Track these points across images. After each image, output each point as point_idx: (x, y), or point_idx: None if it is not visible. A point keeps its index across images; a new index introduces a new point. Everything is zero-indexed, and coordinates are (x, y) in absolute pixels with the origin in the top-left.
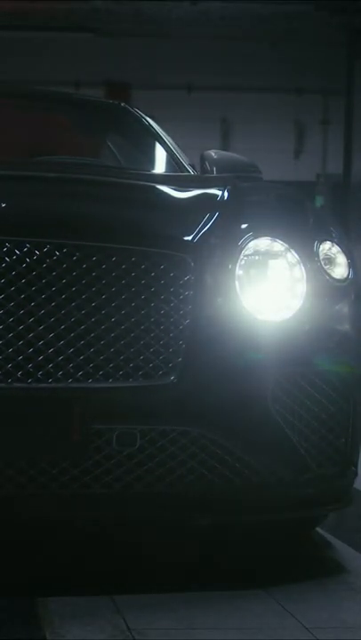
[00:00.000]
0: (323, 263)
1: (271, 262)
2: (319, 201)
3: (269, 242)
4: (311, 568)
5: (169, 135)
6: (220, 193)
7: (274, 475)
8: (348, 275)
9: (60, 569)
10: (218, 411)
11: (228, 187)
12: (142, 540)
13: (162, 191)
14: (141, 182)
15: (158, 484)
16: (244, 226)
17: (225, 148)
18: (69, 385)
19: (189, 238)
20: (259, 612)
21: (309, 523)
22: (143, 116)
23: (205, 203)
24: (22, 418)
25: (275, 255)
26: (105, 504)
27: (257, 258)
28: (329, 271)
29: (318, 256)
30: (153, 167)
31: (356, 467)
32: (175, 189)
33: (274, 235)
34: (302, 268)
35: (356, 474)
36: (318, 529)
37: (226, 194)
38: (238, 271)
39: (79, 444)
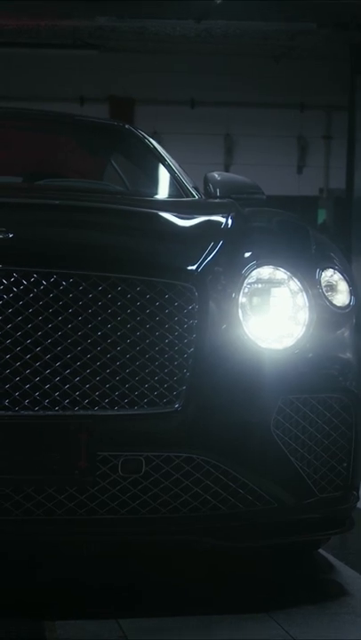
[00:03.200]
0: (325, 290)
1: (274, 290)
2: (322, 215)
3: (272, 270)
4: (314, 591)
5: (172, 150)
6: (223, 221)
7: (277, 500)
8: (350, 302)
9: (67, 593)
10: (222, 437)
11: (232, 214)
12: (147, 564)
13: (167, 219)
14: (146, 210)
15: (163, 509)
16: (247, 254)
17: (228, 164)
18: (76, 413)
19: (193, 267)
20: (262, 636)
21: (312, 545)
22: (147, 137)
23: (209, 231)
24: (29, 445)
25: (277, 283)
26: (111, 529)
27: (260, 286)
28: (331, 298)
29: (320, 284)
30: (157, 189)
31: (358, 491)
32: (179, 217)
33: (277, 263)
34: (305, 295)
35: (358, 498)
36: (321, 550)
37: (230, 221)
38: (242, 299)
39: (85, 470)
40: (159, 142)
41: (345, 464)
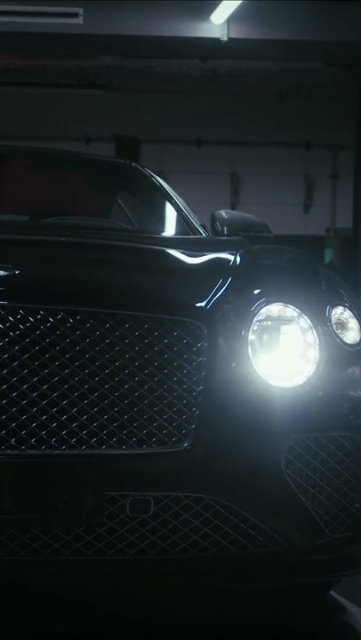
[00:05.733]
0: (335, 328)
1: (284, 328)
2: (328, 255)
3: (282, 307)
4: (326, 634)
5: (178, 189)
6: (232, 258)
7: (288, 541)
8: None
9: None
10: (231, 477)
11: (241, 251)
12: (151, 606)
13: (175, 256)
14: (154, 247)
15: (172, 550)
16: (256, 291)
17: (235, 203)
18: (83, 452)
19: (203, 305)
20: None
21: (323, 586)
22: (154, 175)
23: (218, 268)
24: (36, 484)
25: (287, 321)
26: (119, 571)
27: (269, 323)
28: (341, 336)
29: (330, 321)
30: (164, 227)
31: None
32: (188, 254)
33: (286, 300)
34: (315, 333)
35: None
36: (332, 592)
37: (238, 259)
38: (251, 337)
39: (93, 510)
40: (165, 181)
41: (357, 504)
